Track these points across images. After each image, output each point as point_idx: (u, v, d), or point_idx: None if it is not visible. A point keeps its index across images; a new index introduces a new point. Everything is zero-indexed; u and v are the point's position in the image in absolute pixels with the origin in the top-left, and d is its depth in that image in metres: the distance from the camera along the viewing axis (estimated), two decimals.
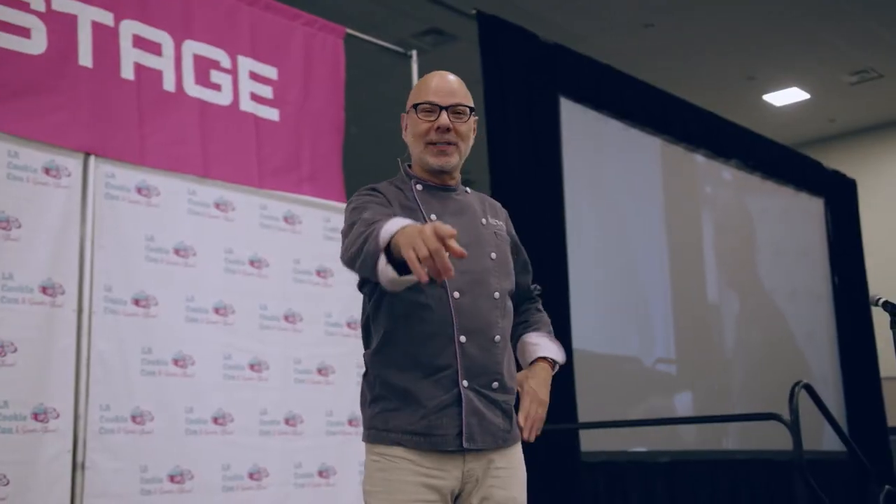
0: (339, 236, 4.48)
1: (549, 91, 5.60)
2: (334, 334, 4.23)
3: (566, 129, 5.66)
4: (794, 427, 3.79)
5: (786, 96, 10.03)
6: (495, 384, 2.09)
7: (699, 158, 6.93)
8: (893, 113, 10.61)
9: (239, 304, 3.94)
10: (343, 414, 4.15)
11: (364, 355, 2.17)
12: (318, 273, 4.27)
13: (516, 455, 2.18)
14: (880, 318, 7.80)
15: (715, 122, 7.08)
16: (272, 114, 4.24)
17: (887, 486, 4.88)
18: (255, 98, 4.19)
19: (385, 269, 1.80)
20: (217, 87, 4.05)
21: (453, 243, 1.68)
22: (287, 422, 3.98)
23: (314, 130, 4.39)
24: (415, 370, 2.04)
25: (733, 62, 8.89)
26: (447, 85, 2.19)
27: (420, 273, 1.67)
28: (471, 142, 2.22)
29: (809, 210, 8.13)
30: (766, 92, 9.86)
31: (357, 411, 4.11)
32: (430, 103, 2.15)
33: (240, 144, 4.10)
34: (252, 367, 3.92)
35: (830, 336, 8.02)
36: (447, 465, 2.04)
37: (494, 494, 2.08)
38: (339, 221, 4.29)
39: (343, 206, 4.32)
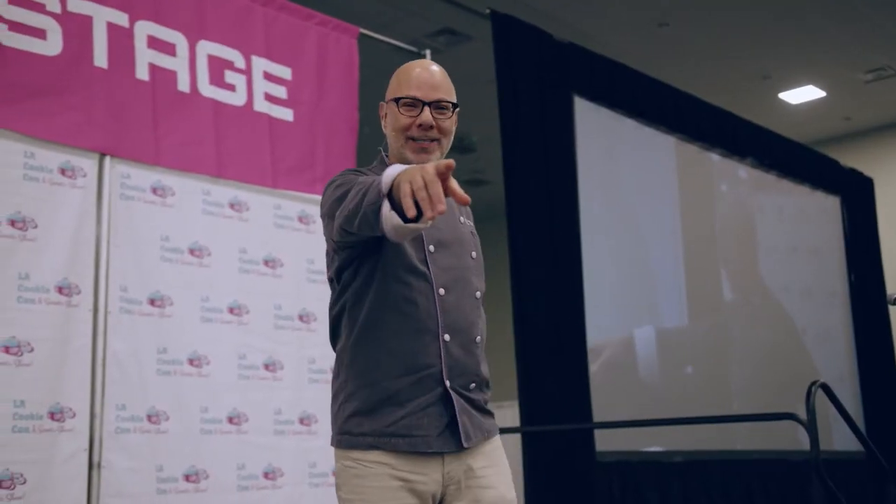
0: None
1: (563, 90, 5.59)
2: None
3: (580, 127, 5.64)
4: (811, 427, 3.77)
5: (801, 94, 9.97)
6: (472, 385, 2.03)
7: (714, 157, 6.90)
8: None
9: (253, 303, 3.95)
10: None
11: (337, 351, 2.07)
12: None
13: (497, 451, 2.09)
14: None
15: (730, 120, 7.05)
16: (286, 114, 4.25)
17: None
18: (270, 98, 4.20)
19: (389, 216, 1.69)
20: (231, 88, 4.06)
21: (454, 184, 1.62)
22: (301, 421, 3.99)
23: (328, 130, 4.40)
24: (395, 368, 1.95)
25: (748, 61, 8.84)
26: (430, 78, 2.08)
27: (409, 206, 1.59)
28: (452, 136, 2.13)
29: (826, 208, 8.08)
30: (782, 90, 9.81)
31: None
32: (412, 98, 2.05)
33: (254, 144, 4.10)
34: (266, 366, 3.93)
35: (847, 335, 7.97)
36: (427, 469, 1.95)
37: (483, 496, 2.00)
38: None
39: None
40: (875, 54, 8.91)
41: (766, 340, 6.99)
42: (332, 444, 2.03)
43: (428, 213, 1.58)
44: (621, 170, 6.08)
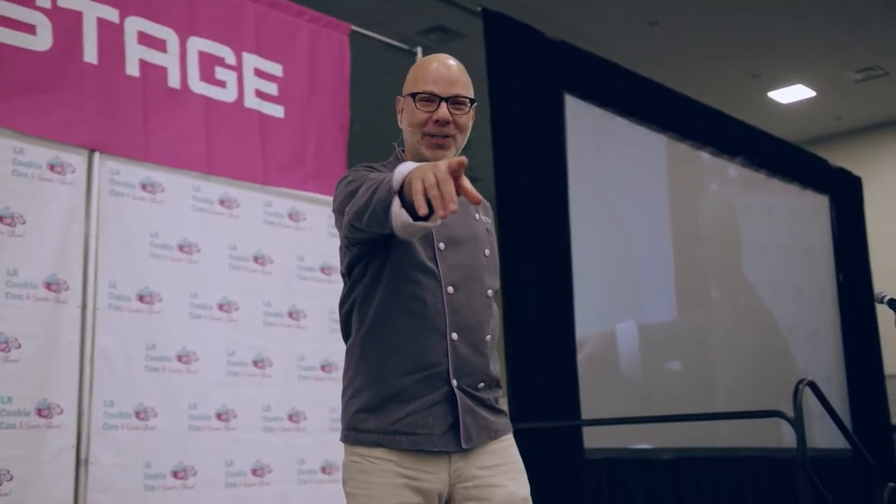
0: None
1: (554, 88, 5.59)
2: (338, 331, 4.22)
3: (571, 126, 5.65)
4: (798, 424, 3.79)
5: (791, 94, 10.02)
6: (481, 384, 2.02)
7: (704, 156, 6.92)
8: None
9: (243, 300, 3.95)
10: None
11: (347, 346, 2.08)
12: (322, 270, 4.27)
13: (508, 449, 2.07)
14: (885, 315, 7.81)
15: (720, 119, 7.07)
16: (277, 111, 4.25)
17: (891, 484, 4.89)
18: (260, 95, 4.19)
19: (399, 213, 1.69)
20: (222, 84, 4.06)
21: (466, 182, 1.61)
22: (290, 418, 3.99)
23: (319, 127, 4.39)
24: (402, 365, 1.96)
25: (739, 59, 8.88)
26: (448, 73, 2.07)
27: (420, 204, 1.58)
28: (469, 132, 2.11)
29: (815, 207, 8.12)
30: (772, 89, 9.85)
31: None
32: (429, 93, 2.04)
33: (244, 141, 4.10)
34: (255, 363, 3.93)
35: (835, 333, 8.01)
36: (432, 467, 1.95)
37: (493, 495, 1.98)
38: None
39: None
40: (865, 54, 8.95)
41: (754, 338, 7.02)
42: (340, 440, 2.05)
43: (440, 211, 1.57)
44: (612, 168, 6.09)
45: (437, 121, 2.04)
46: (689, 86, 7.33)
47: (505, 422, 2.09)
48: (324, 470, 4.05)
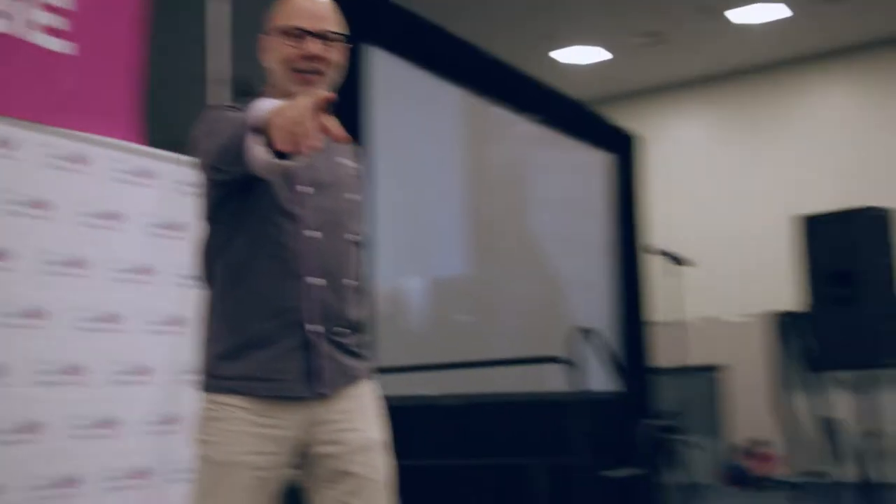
0: (132, 178, 4.29)
1: (355, 38, 5.56)
2: (123, 280, 4.09)
3: (371, 77, 5.66)
4: (573, 369, 4.11)
5: (581, 55, 10.47)
6: (340, 329, 2.02)
7: (499, 111, 7.14)
8: (678, 75, 11.34)
9: (19, 248, 3.71)
10: (130, 363, 4.04)
11: (206, 294, 2.04)
12: (107, 216, 4.09)
13: (366, 394, 2.09)
14: (655, 267, 8.45)
15: (514, 76, 7.30)
16: (63, 46, 3.96)
17: (645, 420, 5.41)
18: (44, 29, 3.91)
19: (261, 152, 1.66)
20: (1, 14, 3.75)
21: (330, 121, 1.60)
22: (67, 373, 3.83)
23: (109, 66, 4.15)
24: (259, 310, 1.93)
25: (531, 19, 9.16)
26: (315, 7, 2.07)
27: (281, 140, 1.56)
28: (340, 70, 2.10)
29: (599, 164, 8.58)
30: (563, 49, 10.26)
31: (146, 361, 4.02)
32: (298, 28, 2.02)
33: (25, 76, 3.82)
34: (30, 314, 3.73)
35: (610, 285, 8.58)
36: (288, 413, 1.94)
37: (350, 440, 2.00)
38: (132, 163, 4.13)
39: (137, 146, 4.16)
40: (648, 19, 9.50)
41: (538, 290, 7.40)
42: (197, 388, 2.00)
43: (301, 148, 1.56)
44: (411, 121, 6.17)
45: (306, 56, 2.01)
46: (490, 42, 7.50)
47: (365, 367, 2.11)
48: (104, 425, 3.93)
